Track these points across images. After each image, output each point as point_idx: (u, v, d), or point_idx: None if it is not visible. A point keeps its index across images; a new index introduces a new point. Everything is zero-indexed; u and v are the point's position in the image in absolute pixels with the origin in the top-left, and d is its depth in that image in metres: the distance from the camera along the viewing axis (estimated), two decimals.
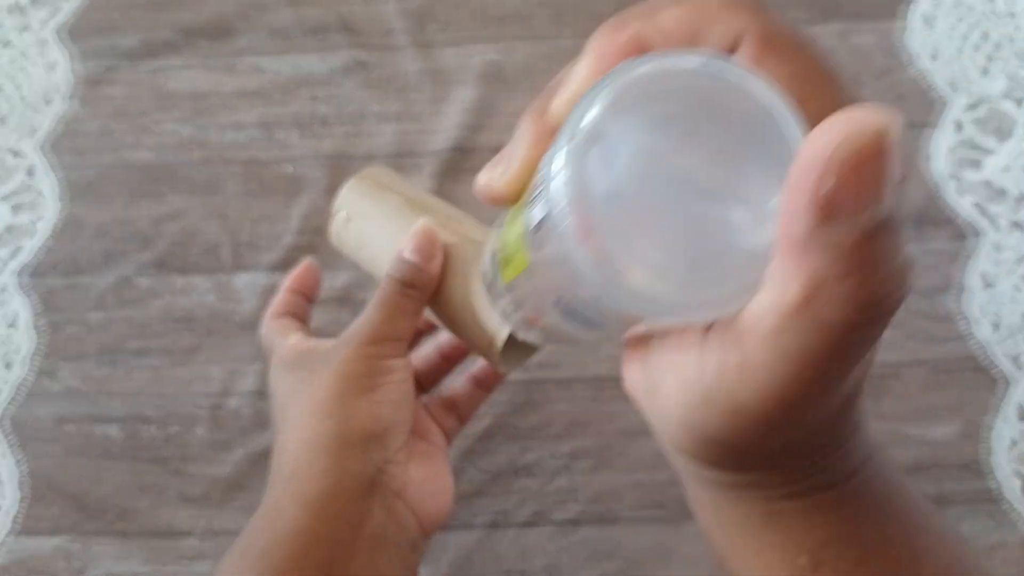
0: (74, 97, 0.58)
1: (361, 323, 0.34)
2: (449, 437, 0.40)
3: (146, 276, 0.53)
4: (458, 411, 0.41)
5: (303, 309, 0.41)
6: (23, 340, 0.52)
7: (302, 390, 0.34)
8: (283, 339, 0.38)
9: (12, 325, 0.53)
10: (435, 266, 0.34)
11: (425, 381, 0.41)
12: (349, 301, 0.52)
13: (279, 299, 0.41)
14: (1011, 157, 0.53)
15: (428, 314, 0.36)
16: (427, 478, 0.35)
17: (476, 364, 0.42)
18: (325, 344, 0.36)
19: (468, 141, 0.55)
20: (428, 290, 0.34)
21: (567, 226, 0.17)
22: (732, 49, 0.20)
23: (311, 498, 0.31)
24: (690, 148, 0.17)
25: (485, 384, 0.42)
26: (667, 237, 0.17)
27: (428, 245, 0.34)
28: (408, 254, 0.34)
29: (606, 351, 0.50)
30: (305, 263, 0.42)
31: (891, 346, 0.49)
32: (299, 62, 0.58)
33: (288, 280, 0.42)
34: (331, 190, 0.54)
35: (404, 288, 0.34)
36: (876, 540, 0.23)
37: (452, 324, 0.35)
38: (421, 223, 0.34)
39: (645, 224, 0.17)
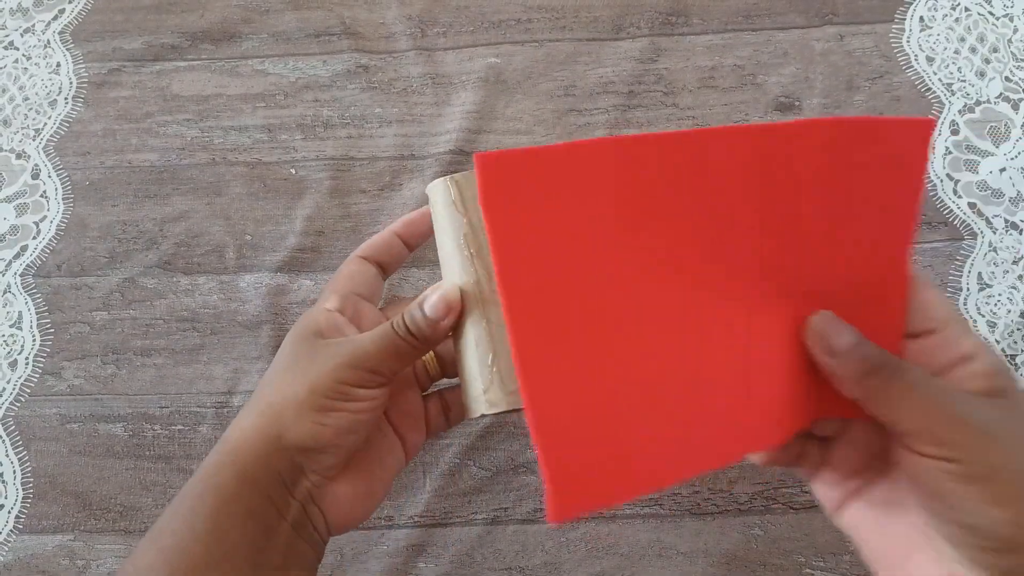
0: (78, 99, 0.59)
1: (355, 343, 0.35)
2: (432, 433, 0.40)
3: (151, 276, 0.54)
4: (450, 413, 0.41)
5: (394, 255, 0.41)
6: (27, 340, 0.53)
7: (281, 378, 0.35)
8: (323, 300, 0.38)
9: (16, 325, 0.53)
10: (444, 327, 0.34)
11: (445, 368, 0.41)
12: None
13: (378, 237, 0.41)
14: (1007, 159, 0.54)
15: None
16: (352, 496, 0.36)
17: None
18: (333, 335, 0.36)
19: (469, 144, 0.56)
20: (430, 345, 0.35)
21: None
22: None
23: (245, 474, 0.33)
24: None
25: None
26: None
27: (445, 309, 0.34)
28: (426, 308, 0.34)
29: None
30: (423, 210, 0.41)
31: None
32: (302, 65, 0.59)
33: (399, 222, 0.41)
34: (334, 192, 0.55)
35: (408, 335, 0.34)
36: None
37: (455, 356, 0.36)
38: (450, 287, 0.34)
39: None
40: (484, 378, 0.32)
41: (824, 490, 0.35)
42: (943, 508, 0.29)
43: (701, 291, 0.26)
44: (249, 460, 0.33)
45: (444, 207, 0.34)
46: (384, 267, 0.41)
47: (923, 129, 0.31)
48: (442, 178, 0.33)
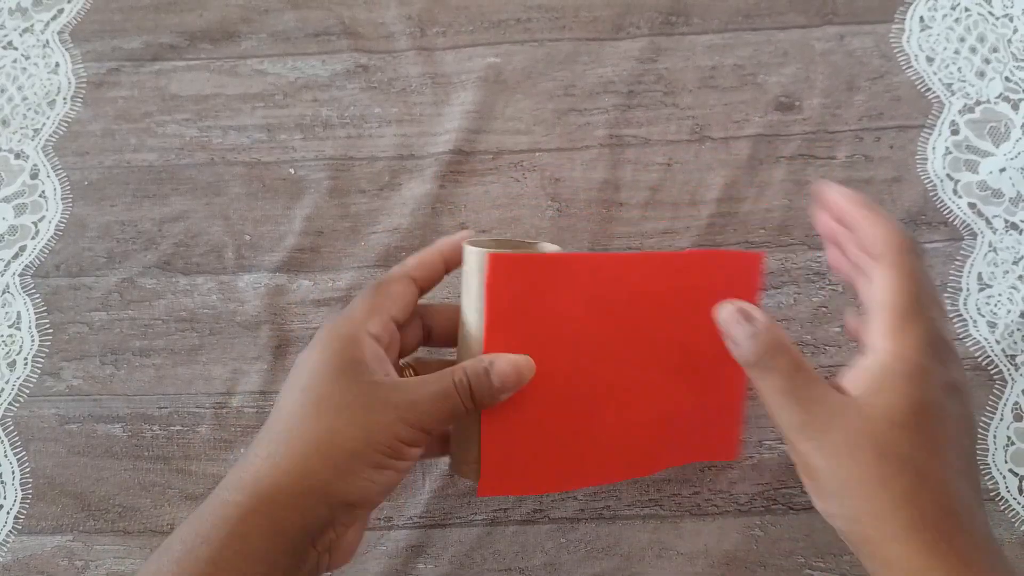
0: (76, 99, 0.59)
1: (413, 395, 0.33)
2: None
3: (149, 277, 0.54)
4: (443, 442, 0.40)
5: (433, 278, 0.39)
6: (26, 340, 0.53)
7: (326, 418, 0.32)
8: (363, 312, 0.35)
9: (15, 325, 0.53)
10: (506, 397, 0.34)
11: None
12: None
13: (425, 254, 0.38)
14: (1007, 159, 0.54)
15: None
16: (353, 540, 0.35)
17: None
18: (385, 380, 0.34)
19: (468, 144, 0.56)
20: (484, 407, 0.34)
21: None
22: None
23: (280, 529, 0.30)
24: None
25: None
26: None
27: (516, 380, 0.34)
28: (495, 377, 0.33)
29: None
30: (466, 231, 0.40)
31: None
32: (301, 65, 0.59)
33: (444, 241, 0.39)
34: (333, 192, 0.55)
35: (468, 399, 0.33)
36: None
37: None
38: (523, 360, 0.34)
39: None
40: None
41: None
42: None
43: (608, 370, 0.37)
44: (286, 511, 0.31)
45: (475, 274, 0.36)
46: (423, 292, 0.39)
47: (753, 262, 0.41)
48: (478, 249, 0.36)
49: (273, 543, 0.30)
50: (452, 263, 0.39)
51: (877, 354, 0.31)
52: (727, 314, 0.33)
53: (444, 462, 0.49)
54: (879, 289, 0.32)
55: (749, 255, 0.41)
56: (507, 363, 0.34)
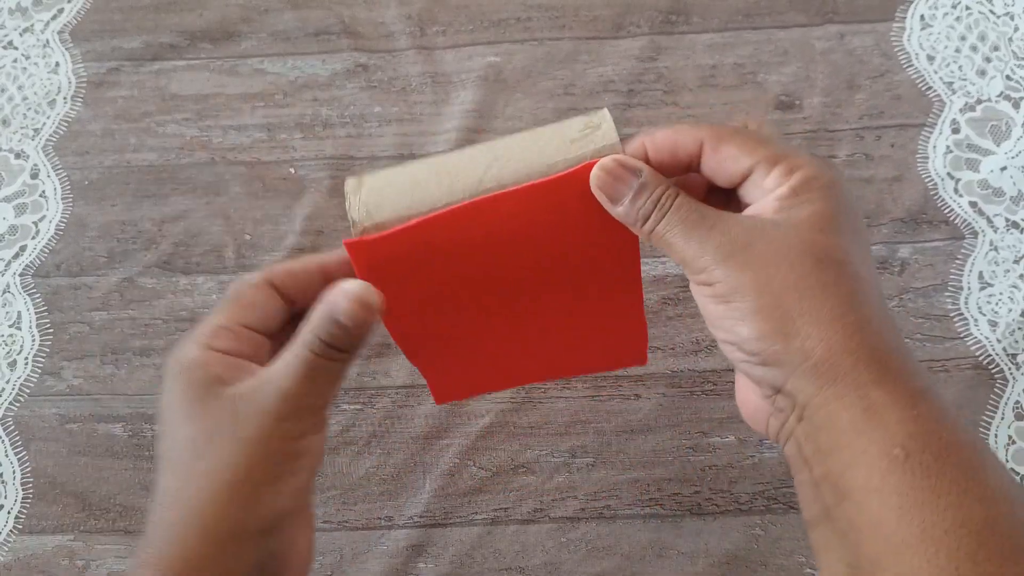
0: (76, 99, 0.59)
1: (278, 390, 0.29)
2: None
3: (149, 276, 0.54)
4: None
5: (305, 290, 0.33)
6: (26, 340, 0.53)
7: (204, 456, 0.29)
8: (203, 334, 0.31)
9: (15, 325, 0.53)
10: (368, 330, 0.30)
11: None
12: None
13: (298, 263, 0.34)
14: (1008, 157, 0.54)
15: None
16: (303, 549, 0.32)
17: None
18: (243, 389, 0.29)
19: (468, 143, 0.56)
20: (357, 350, 0.30)
21: None
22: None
23: None
24: None
25: None
26: None
27: (364, 312, 0.30)
28: (347, 320, 0.29)
29: None
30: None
31: None
32: (301, 65, 0.59)
33: (327, 256, 0.34)
34: (333, 191, 0.55)
35: (332, 352, 0.29)
36: (952, 441, 0.25)
37: None
38: (358, 286, 0.30)
39: None
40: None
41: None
42: (714, 331, 0.30)
43: (511, 299, 0.36)
44: (205, 574, 0.28)
45: (388, 173, 0.34)
46: (293, 303, 0.33)
47: None
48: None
49: None
50: (334, 276, 0.32)
51: (780, 180, 0.29)
52: (604, 173, 0.30)
53: (444, 462, 0.49)
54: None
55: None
56: (348, 303, 0.29)
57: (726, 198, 0.32)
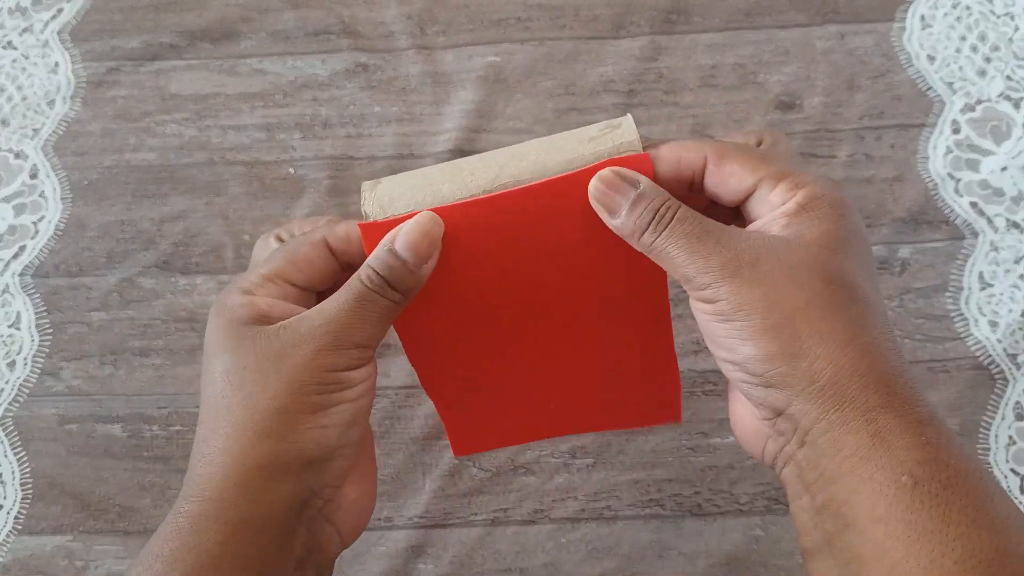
0: (76, 99, 0.59)
1: (325, 320, 0.29)
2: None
3: (149, 276, 0.54)
4: None
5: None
6: (25, 340, 0.53)
7: (242, 387, 0.29)
8: (249, 282, 0.31)
9: (14, 325, 0.53)
10: (428, 269, 0.29)
11: None
12: None
13: (350, 228, 0.32)
14: (1008, 157, 0.53)
15: None
16: (359, 497, 0.32)
17: None
18: (287, 321, 0.30)
19: (468, 143, 0.56)
20: (411, 295, 0.30)
21: None
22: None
23: (237, 523, 0.28)
24: None
25: None
26: None
27: (426, 243, 0.29)
28: (400, 247, 0.29)
29: None
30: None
31: None
32: (301, 64, 0.59)
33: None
34: (332, 191, 0.55)
35: (385, 288, 0.29)
36: (959, 469, 0.25)
37: None
38: (424, 216, 0.29)
39: None
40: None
41: None
42: (714, 349, 0.29)
43: (532, 320, 0.35)
44: (236, 507, 0.27)
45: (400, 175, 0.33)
46: (349, 267, 0.32)
47: (642, 163, 0.35)
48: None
49: (234, 542, 0.27)
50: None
51: (786, 196, 0.28)
52: (601, 184, 0.29)
53: (445, 462, 0.49)
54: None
55: (632, 157, 0.34)
56: (409, 230, 0.29)
57: (728, 216, 0.32)
